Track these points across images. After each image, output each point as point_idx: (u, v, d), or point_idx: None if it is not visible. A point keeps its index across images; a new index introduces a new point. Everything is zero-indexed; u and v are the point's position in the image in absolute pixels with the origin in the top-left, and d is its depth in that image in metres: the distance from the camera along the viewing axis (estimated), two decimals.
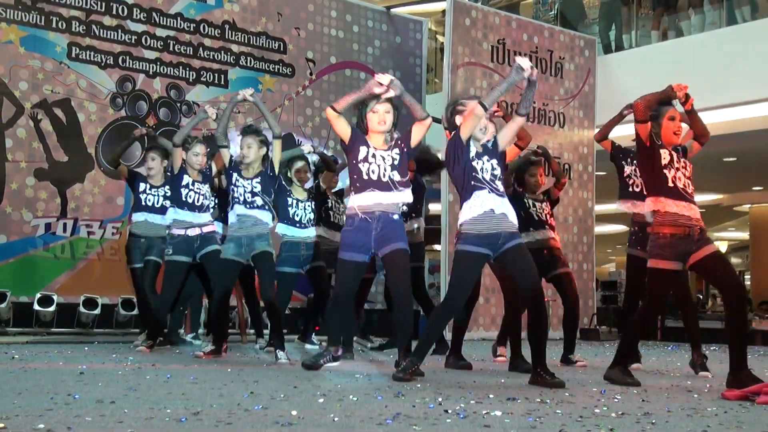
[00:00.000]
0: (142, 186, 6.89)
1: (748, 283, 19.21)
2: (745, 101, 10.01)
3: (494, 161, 4.63)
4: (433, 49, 12.49)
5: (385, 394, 3.78)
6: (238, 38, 9.27)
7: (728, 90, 9.98)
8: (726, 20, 10.83)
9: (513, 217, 4.63)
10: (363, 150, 4.75)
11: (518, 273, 4.62)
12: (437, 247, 10.87)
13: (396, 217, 4.79)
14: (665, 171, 4.57)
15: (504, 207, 4.59)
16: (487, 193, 4.55)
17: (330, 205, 7.26)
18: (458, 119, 4.70)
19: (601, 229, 15.92)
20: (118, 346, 6.76)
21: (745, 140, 11.05)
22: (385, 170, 4.73)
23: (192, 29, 8.99)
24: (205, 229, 6.41)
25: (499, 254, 4.59)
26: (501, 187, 4.63)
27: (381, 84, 4.66)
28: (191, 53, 8.97)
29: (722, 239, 24.84)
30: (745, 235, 20.61)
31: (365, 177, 4.73)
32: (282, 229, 6.88)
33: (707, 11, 11.10)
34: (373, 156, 4.75)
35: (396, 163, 4.77)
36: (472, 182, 4.57)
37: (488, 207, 4.53)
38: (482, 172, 4.57)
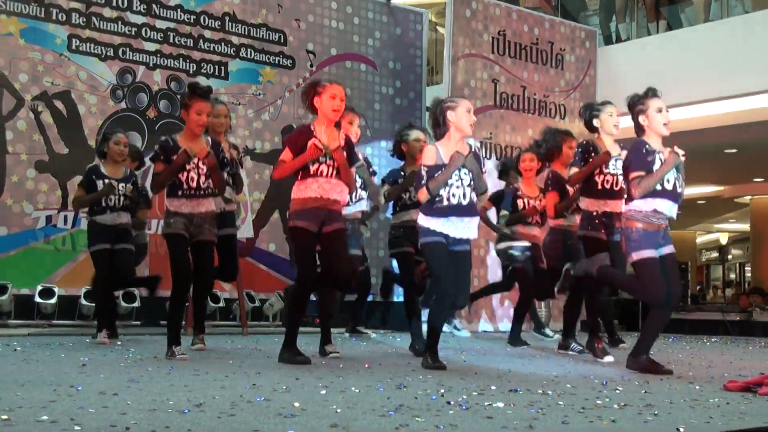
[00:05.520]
0: None
1: (749, 274, 19.18)
2: (746, 92, 9.99)
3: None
4: (434, 40, 12.46)
5: (387, 385, 3.78)
6: (238, 30, 9.24)
7: (729, 81, 9.97)
8: (727, 11, 10.81)
9: None
10: None
11: None
12: None
13: None
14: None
15: None
16: None
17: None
18: (449, 114, 4.83)
19: None
20: (120, 338, 6.76)
21: (747, 132, 11.03)
22: None
23: (192, 21, 8.97)
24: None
25: None
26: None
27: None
28: (191, 45, 8.94)
29: (723, 231, 24.84)
30: (745, 227, 20.61)
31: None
32: None
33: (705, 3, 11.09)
34: None
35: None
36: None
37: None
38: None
